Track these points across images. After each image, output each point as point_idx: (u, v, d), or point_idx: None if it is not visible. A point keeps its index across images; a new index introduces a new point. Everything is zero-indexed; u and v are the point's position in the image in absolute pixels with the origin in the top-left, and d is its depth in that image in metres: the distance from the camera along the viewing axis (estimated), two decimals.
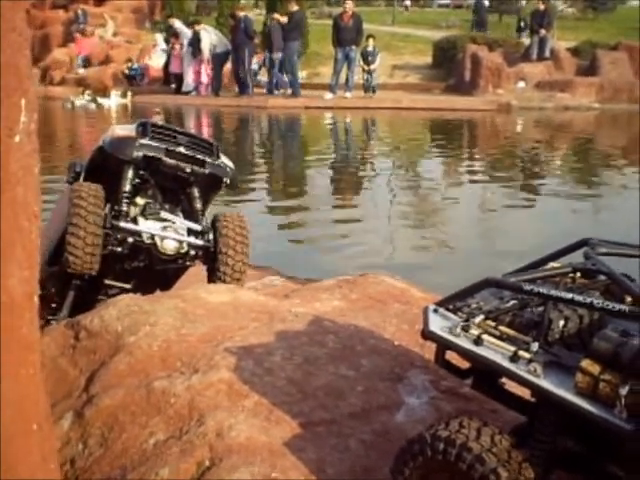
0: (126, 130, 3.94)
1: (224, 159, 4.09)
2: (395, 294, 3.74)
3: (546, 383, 1.84)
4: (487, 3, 29.57)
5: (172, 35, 23.61)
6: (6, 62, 1.12)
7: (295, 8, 21.50)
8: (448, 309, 2.16)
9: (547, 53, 22.34)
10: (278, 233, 7.69)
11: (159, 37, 25.58)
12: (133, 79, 24.82)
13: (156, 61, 25.06)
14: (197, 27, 22.26)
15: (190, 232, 3.96)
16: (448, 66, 23.99)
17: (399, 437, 2.33)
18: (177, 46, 23.06)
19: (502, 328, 2.02)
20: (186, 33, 22.94)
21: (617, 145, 14.73)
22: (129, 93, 22.96)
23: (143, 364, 2.85)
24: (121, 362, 2.87)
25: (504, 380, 2.18)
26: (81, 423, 2.63)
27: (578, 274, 2.18)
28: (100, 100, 22.70)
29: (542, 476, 1.89)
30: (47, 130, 15.71)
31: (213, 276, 3.92)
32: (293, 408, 2.57)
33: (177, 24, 23.63)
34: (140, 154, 3.80)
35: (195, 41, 22.14)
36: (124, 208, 3.85)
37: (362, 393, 2.70)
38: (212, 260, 3.93)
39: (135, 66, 25.03)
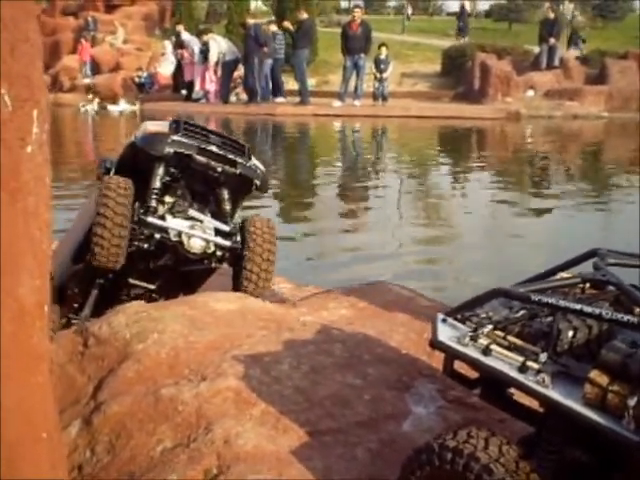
0: (159, 126, 3.91)
1: (255, 161, 4.05)
2: (402, 303, 3.73)
3: (554, 394, 1.83)
4: (469, 10, 29.82)
5: (178, 45, 23.66)
6: (18, 73, 1.13)
7: (304, 16, 21.59)
8: (457, 319, 2.15)
9: (556, 62, 22.33)
10: (288, 241, 7.67)
11: (168, 45, 25.64)
12: (143, 86, 24.90)
13: (165, 69, 25.12)
14: (205, 37, 22.33)
15: (218, 232, 3.91)
16: (457, 74, 24.00)
17: (406, 447, 2.33)
18: (186, 55, 23.11)
19: (511, 338, 2.01)
20: (195, 42, 22.99)
21: (628, 154, 14.66)
22: (137, 102, 23.06)
23: (151, 371, 2.85)
24: (129, 369, 2.87)
25: (512, 390, 2.18)
26: (89, 430, 2.63)
27: (587, 285, 2.18)
28: (109, 107, 22.83)
29: None
30: (58, 136, 15.75)
31: (237, 282, 3.86)
32: (300, 417, 2.57)
33: (184, 35, 23.67)
34: (171, 150, 3.75)
35: (206, 50, 22.22)
36: (153, 204, 3.82)
37: (369, 402, 2.69)
38: (237, 264, 3.87)
39: (145, 74, 25.11)
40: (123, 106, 22.90)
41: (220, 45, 22.20)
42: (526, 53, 24.18)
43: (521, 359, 1.92)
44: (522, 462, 1.87)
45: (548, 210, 9.42)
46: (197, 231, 3.83)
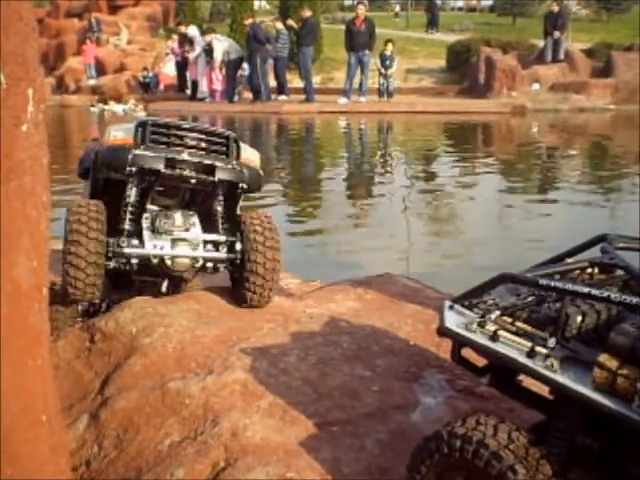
0: (123, 132, 3.48)
1: (248, 151, 3.65)
2: (410, 295, 3.72)
3: (563, 378, 1.81)
4: (439, 2, 29.92)
5: (188, 42, 23.63)
6: (12, 51, 1.11)
7: (308, 14, 21.57)
8: (464, 305, 2.13)
9: (561, 55, 22.24)
10: (295, 236, 7.65)
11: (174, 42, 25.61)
12: (148, 86, 24.94)
13: (170, 68, 25.15)
14: (208, 37, 22.33)
15: (209, 242, 3.51)
16: (462, 69, 23.91)
17: (415, 437, 2.31)
18: (192, 53, 23.11)
19: (519, 324, 1.99)
20: (199, 40, 23.01)
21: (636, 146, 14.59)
22: (132, 101, 23.15)
23: (158, 366, 2.85)
24: (136, 364, 2.87)
25: (521, 377, 2.16)
26: (96, 425, 2.63)
27: (596, 269, 2.16)
28: (115, 107, 22.94)
29: (561, 473, 1.86)
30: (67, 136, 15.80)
31: (239, 293, 3.48)
32: (308, 408, 2.56)
33: (191, 31, 23.68)
34: (134, 169, 3.35)
35: (209, 50, 22.23)
36: (127, 227, 3.45)
37: (378, 393, 2.68)
38: (237, 272, 3.50)
39: (150, 74, 25.15)
40: (126, 106, 22.97)
41: (223, 44, 22.20)
42: (531, 47, 24.05)
43: (529, 344, 1.90)
44: (532, 448, 1.85)
45: (563, 204, 9.35)
46: (181, 249, 3.44)
